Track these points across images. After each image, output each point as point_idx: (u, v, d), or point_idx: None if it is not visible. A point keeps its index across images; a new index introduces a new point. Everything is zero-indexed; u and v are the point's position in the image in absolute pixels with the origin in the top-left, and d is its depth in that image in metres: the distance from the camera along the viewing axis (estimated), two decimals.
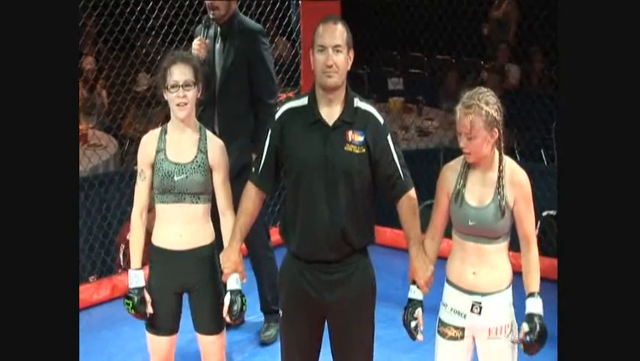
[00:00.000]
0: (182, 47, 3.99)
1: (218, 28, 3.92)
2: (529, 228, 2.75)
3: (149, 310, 2.97)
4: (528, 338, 2.66)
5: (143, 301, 2.95)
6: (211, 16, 3.89)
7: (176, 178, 2.92)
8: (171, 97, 2.91)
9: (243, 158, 3.71)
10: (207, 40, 3.89)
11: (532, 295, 2.70)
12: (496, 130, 2.67)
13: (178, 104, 2.90)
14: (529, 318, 2.68)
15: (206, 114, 3.96)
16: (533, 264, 2.74)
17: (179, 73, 2.90)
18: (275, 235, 4.85)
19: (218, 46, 3.91)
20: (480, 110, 2.64)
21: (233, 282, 2.92)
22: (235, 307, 2.92)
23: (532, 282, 2.72)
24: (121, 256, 4.87)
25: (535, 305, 2.69)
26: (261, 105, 3.87)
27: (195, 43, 3.87)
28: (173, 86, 2.89)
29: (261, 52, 3.90)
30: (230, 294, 2.92)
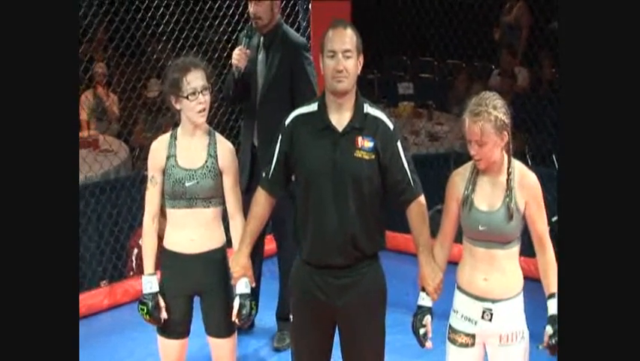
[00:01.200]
0: (192, 53, 3.98)
1: (262, 38, 3.88)
2: (542, 229, 2.72)
3: (164, 315, 2.98)
4: (553, 341, 2.64)
5: (157, 306, 2.97)
6: (254, 25, 3.86)
7: (187, 184, 2.93)
8: (191, 105, 2.90)
9: None
10: (248, 50, 3.85)
11: (552, 295, 2.67)
12: (505, 133, 2.66)
13: (199, 111, 2.91)
14: (552, 320, 2.65)
15: (246, 125, 3.96)
16: (550, 264, 2.71)
17: (196, 79, 2.90)
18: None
19: (260, 56, 3.88)
20: (489, 116, 2.63)
21: (242, 286, 2.93)
22: (244, 311, 2.93)
23: (552, 283, 2.68)
24: (133, 259, 4.89)
25: (556, 306, 2.66)
26: None
27: (236, 52, 3.83)
28: (192, 94, 2.89)
29: (304, 66, 3.86)
30: (240, 298, 2.93)
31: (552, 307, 2.67)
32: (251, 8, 3.85)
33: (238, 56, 3.82)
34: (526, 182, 2.71)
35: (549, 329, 2.65)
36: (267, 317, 4.22)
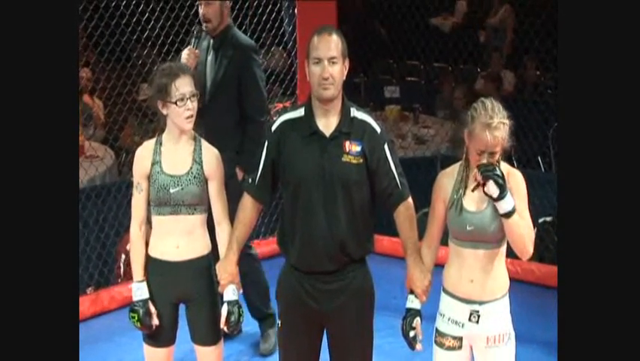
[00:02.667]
0: (178, 58, 3.97)
1: (211, 40, 3.92)
2: (526, 220, 2.70)
3: (155, 321, 2.96)
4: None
5: (148, 313, 2.95)
6: (204, 28, 3.89)
7: (171, 190, 2.91)
8: (178, 111, 2.89)
9: (229, 172, 3.71)
10: (197, 51, 3.87)
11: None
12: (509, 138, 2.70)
13: (187, 117, 2.89)
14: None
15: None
16: (527, 236, 2.67)
17: (184, 84, 2.88)
18: (271, 245, 4.88)
19: (210, 58, 3.91)
20: (505, 127, 2.66)
21: (230, 293, 2.91)
22: (233, 318, 2.92)
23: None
24: (121, 265, 4.86)
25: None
26: (250, 122, 3.88)
27: (185, 52, 3.86)
28: (180, 100, 2.88)
29: (253, 68, 3.90)
30: (228, 305, 2.92)
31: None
32: (201, 10, 3.87)
33: (187, 56, 3.84)
34: (513, 180, 2.71)
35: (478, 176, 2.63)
36: (253, 322, 4.21)
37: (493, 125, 2.63)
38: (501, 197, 2.61)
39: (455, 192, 2.75)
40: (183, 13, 5.17)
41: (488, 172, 2.61)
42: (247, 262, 4.05)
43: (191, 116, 2.91)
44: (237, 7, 5.42)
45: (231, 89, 3.85)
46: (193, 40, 3.90)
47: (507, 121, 2.67)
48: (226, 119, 3.86)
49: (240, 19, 5.36)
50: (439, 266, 2.83)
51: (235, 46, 3.89)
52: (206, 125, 3.86)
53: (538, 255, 4.99)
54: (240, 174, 3.83)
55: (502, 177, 2.61)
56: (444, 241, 2.84)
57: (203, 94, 3.88)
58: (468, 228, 2.71)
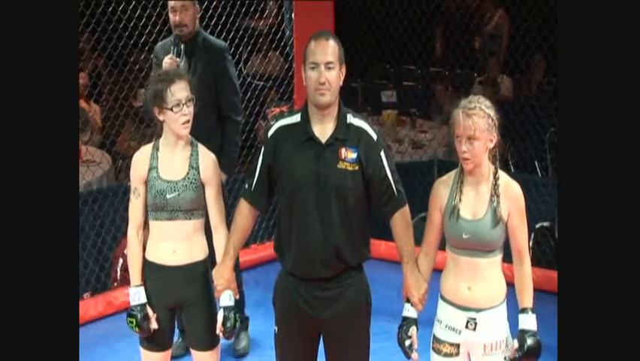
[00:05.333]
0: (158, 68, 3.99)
1: (182, 46, 3.94)
2: (522, 242, 2.74)
3: (154, 326, 2.95)
4: (517, 355, 2.67)
5: (146, 317, 2.94)
6: (178, 33, 3.92)
7: (168, 196, 2.91)
8: (174, 117, 2.88)
9: None
10: (179, 59, 3.90)
11: (524, 310, 2.70)
12: (494, 135, 2.68)
13: (183, 123, 2.89)
14: (520, 334, 2.68)
15: None
16: (526, 278, 2.74)
17: (180, 90, 2.88)
18: (268, 250, 4.88)
19: (182, 64, 3.93)
20: (482, 113, 2.66)
21: (226, 298, 2.91)
22: (229, 324, 2.92)
23: (526, 298, 2.71)
24: (118, 270, 4.85)
25: (526, 321, 2.69)
26: (229, 122, 3.97)
27: (167, 61, 3.88)
28: (176, 105, 2.87)
29: (227, 68, 3.99)
30: (224, 310, 2.91)
31: (522, 321, 2.69)
32: (176, 17, 3.89)
33: (170, 65, 3.86)
34: (511, 192, 2.71)
35: (515, 343, 2.68)
36: (251, 326, 4.21)
37: (470, 107, 2.66)
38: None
39: (452, 199, 2.74)
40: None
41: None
42: None
43: (188, 121, 2.90)
44: (234, 12, 5.42)
45: (208, 91, 3.88)
46: (172, 47, 3.93)
47: (490, 112, 2.66)
48: (206, 121, 3.87)
49: (237, 24, 5.36)
50: (437, 271, 2.83)
51: (207, 48, 3.96)
52: None
53: (535, 259, 4.99)
54: (222, 177, 3.86)
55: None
56: (442, 246, 2.84)
57: None
58: (464, 236, 2.71)
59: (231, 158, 3.98)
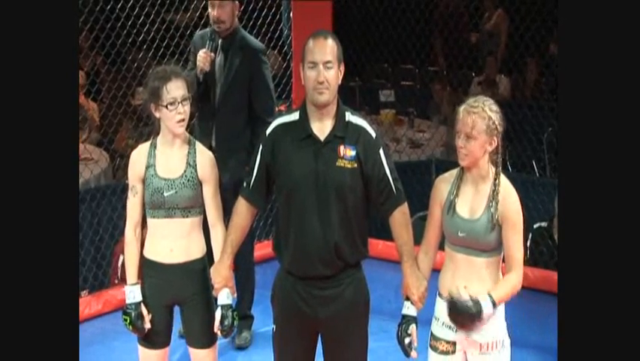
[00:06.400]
0: (173, 61, 3.98)
1: (220, 42, 3.94)
2: (513, 252, 2.69)
3: (147, 325, 2.96)
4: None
5: (140, 316, 2.95)
6: (216, 29, 3.91)
7: (165, 194, 2.91)
8: (169, 115, 2.88)
9: (241, 173, 3.72)
10: (213, 54, 3.90)
11: (488, 295, 2.64)
12: (495, 139, 2.68)
13: (178, 121, 2.89)
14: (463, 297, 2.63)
15: (204, 127, 3.98)
16: (510, 280, 2.68)
17: (176, 88, 2.88)
18: (266, 249, 4.87)
19: (219, 60, 3.93)
20: (484, 114, 2.66)
21: (224, 297, 2.92)
22: (226, 322, 2.92)
23: (497, 289, 2.66)
24: (119, 266, 4.85)
25: (481, 298, 2.63)
26: (260, 123, 3.88)
27: (201, 55, 3.88)
28: (171, 103, 2.87)
29: (262, 70, 3.95)
30: (222, 309, 2.92)
31: (481, 296, 2.64)
32: (214, 12, 3.89)
33: (204, 59, 3.87)
34: (507, 202, 2.69)
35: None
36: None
37: (473, 105, 2.66)
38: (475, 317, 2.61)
39: (450, 194, 2.75)
40: (178, 17, 5.16)
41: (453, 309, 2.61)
42: (246, 265, 4.10)
43: (183, 120, 2.90)
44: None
45: (242, 90, 3.90)
46: (208, 42, 3.92)
47: (492, 115, 2.66)
48: (237, 119, 3.91)
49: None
50: (436, 271, 2.83)
51: (244, 47, 3.94)
52: (217, 126, 3.92)
53: (533, 260, 5.00)
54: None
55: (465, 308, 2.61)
56: (442, 246, 2.84)
57: (214, 95, 3.93)
58: (460, 234, 2.71)
59: None
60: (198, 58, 3.88)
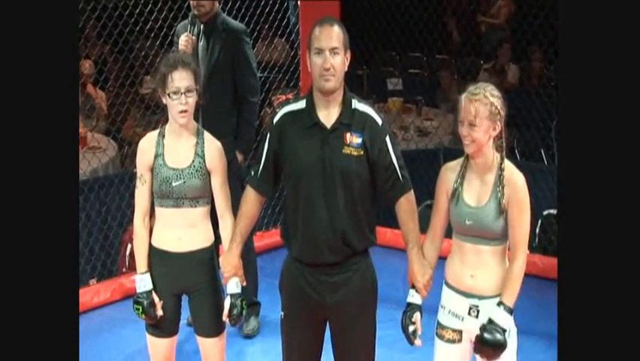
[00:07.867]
0: (175, 45, 3.99)
1: (202, 26, 3.95)
2: (519, 236, 2.68)
3: (160, 312, 2.96)
4: (476, 343, 2.66)
5: (152, 304, 2.95)
6: (196, 12, 3.93)
7: (174, 184, 2.91)
8: (173, 103, 2.88)
9: (229, 156, 3.73)
10: (194, 37, 3.92)
11: (500, 304, 2.65)
12: (498, 124, 2.67)
13: (180, 112, 2.89)
14: (483, 325, 2.65)
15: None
16: (514, 275, 2.67)
17: (180, 79, 2.87)
18: (274, 237, 4.88)
19: (201, 44, 3.95)
20: (486, 100, 2.65)
21: (233, 286, 2.92)
22: (235, 311, 2.92)
23: (506, 294, 2.66)
24: (127, 254, 4.87)
25: (495, 314, 2.64)
26: (245, 103, 3.98)
27: (182, 39, 3.90)
28: (174, 92, 2.87)
29: (245, 50, 3.99)
30: (231, 298, 2.92)
31: (493, 313, 2.65)
32: None
33: (186, 42, 3.88)
34: (512, 183, 2.68)
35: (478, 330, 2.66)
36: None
37: (474, 92, 2.65)
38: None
39: (456, 182, 2.74)
40: (186, 5, 5.15)
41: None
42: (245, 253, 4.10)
43: (185, 111, 2.88)
44: None
45: (226, 72, 3.92)
46: (189, 26, 3.94)
47: (494, 100, 2.65)
48: (222, 102, 3.92)
49: (243, 11, 5.35)
50: (443, 259, 2.83)
51: (226, 30, 3.97)
52: (203, 110, 3.91)
53: (542, 247, 4.99)
54: (239, 157, 3.96)
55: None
56: (448, 234, 2.83)
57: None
58: (467, 222, 2.70)
59: (247, 139, 4.01)
60: (180, 41, 3.90)
